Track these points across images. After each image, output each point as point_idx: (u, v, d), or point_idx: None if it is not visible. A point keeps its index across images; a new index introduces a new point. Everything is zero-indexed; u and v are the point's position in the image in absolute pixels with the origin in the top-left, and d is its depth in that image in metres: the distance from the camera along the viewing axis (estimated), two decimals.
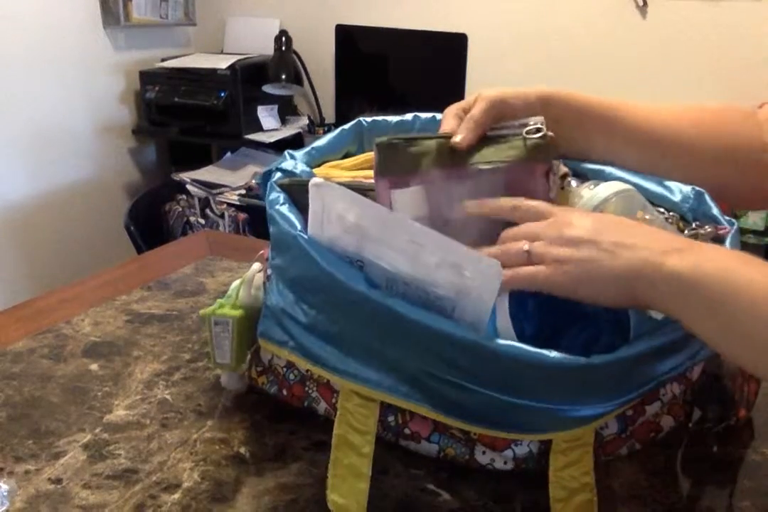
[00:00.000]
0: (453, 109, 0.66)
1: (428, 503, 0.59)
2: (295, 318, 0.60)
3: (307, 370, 0.62)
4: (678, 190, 0.67)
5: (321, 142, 0.73)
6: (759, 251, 1.93)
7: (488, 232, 0.63)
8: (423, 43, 2.36)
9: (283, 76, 2.36)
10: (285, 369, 0.65)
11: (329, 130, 0.76)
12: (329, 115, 2.59)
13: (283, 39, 2.38)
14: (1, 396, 0.72)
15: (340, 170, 0.71)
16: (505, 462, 0.59)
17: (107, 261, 1.87)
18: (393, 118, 0.76)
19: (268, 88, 2.40)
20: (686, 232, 0.63)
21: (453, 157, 0.62)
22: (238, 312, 0.66)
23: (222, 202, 2.22)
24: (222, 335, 0.66)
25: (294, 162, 0.67)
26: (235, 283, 0.69)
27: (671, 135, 0.70)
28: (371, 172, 0.71)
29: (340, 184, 0.55)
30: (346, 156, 0.75)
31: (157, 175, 2.73)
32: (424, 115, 0.75)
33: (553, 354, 0.51)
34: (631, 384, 0.55)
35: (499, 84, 0.67)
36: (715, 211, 0.64)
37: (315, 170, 0.69)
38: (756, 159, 0.70)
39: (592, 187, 0.62)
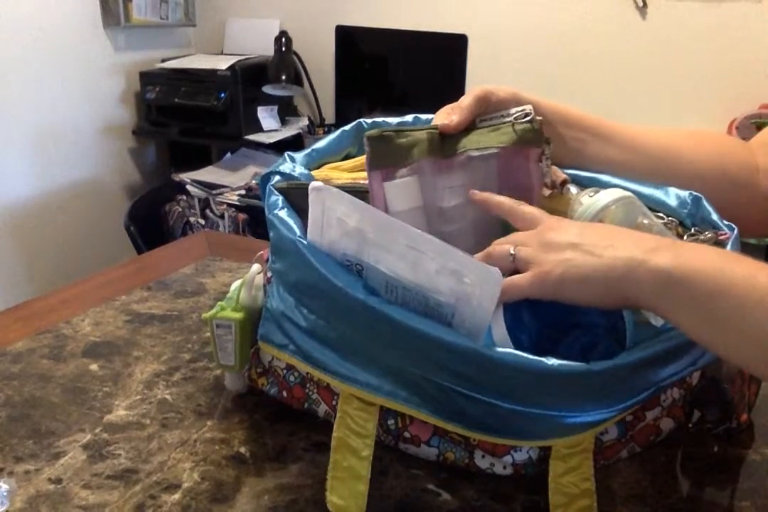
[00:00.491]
0: (444, 109, 0.67)
1: (428, 503, 0.59)
2: (295, 322, 0.60)
3: (307, 373, 0.62)
4: (675, 196, 0.67)
5: (321, 143, 0.73)
6: (759, 251, 1.93)
7: (481, 221, 0.63)
8: (423, 43, 2.37)
9: (283, 77, 2.37)
10: (285, 371, 0.65)
11: (329, 131, 0.77)
12: (329, 115, 2.59)
13: (283, 40, 2.38)
14: (1, 396, 0.72)
15: (340, 172, 0.71)
16: (504, 467, 0.59)
17: (107, 261, 1.88)
18: (393, 120, 0.76)
19: (268, 89, 2.40)
20: (686, 237, 0.63)
21: (443, 147, 0.62)
22: (240, 315, 0.66)
23: (222, 203, 2.22)
24: (225, 337, 0.66)
25: (292, 164, 0.67)
26: (236, 285, 0.70)
27: (665, 145, 0.71)
28: None
29: (339, 186, 0.55)
30: (346, 157, 0.75)
31: (157, 176, 2.73)
32: (424, 116, 0.75)
33: (552, 361, 0.51)
34: (631, 390, 0.55)
35: (499, 84, 0.67)
36: (714, 216, 0.64)
37: (315, 172, 0.69)
38: (748, 178, 0.71)
39: (592, 194, 0.62)
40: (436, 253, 0.51)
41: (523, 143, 0.62)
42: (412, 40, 2.38)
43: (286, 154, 0.68)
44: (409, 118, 0.76)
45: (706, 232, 0.62)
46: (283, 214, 0.60)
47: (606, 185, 0.67)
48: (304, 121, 2.54)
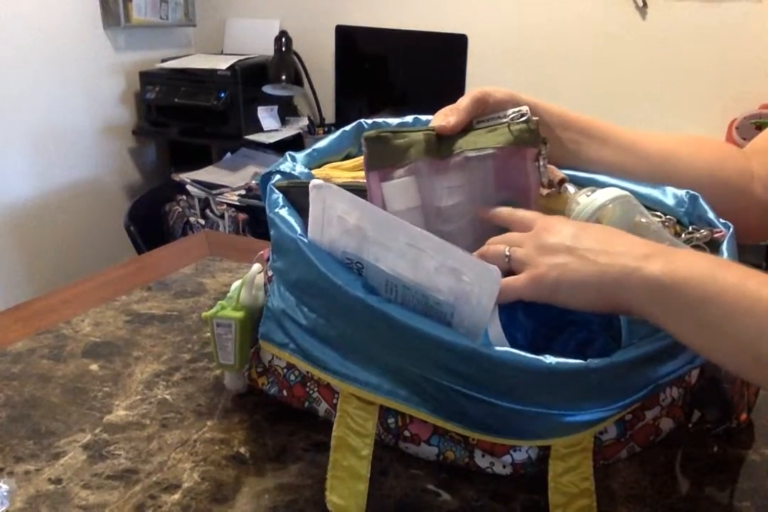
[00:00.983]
0: (442, 110, 0.67)
1: (428, 503, 0.59)
2: (295, 320, 0.60)
3: (308, 371, 0.62)
4: (672, 195, 0.68)
5: (322, 143, 0.73)
6: (759, 251, 1.93)
7: (479, 221, 0.63)
8: (423, 43, 2.37)
9: (283, 77, 2.37)
10: (285, 370, 0.65)
11: (329, 131, 0.77)
12: (329, 115, 2.59)
13: (283, 40, 2.38)
14: (1, 397, 0.72)
15: (340, 171, 0.71)
16: (504, 467, 0.59)
17: (107, 261, 1.88)
18: (393, 120, 0.76)
19: (268, 89, 2.40)
20: (683, 235, 0.63)
21: (440, 148, 0.62)
22: (240, 314, 0.66)
23: (222, 203, 2.22)
24: (225, 337, 0.66)
25: (293, 164, 0.67)
26: (236, 284, 0.70)
27: (661, 150, 0.72)
28: None
29: (339, 184, 0.56)
30: (346, 157, 0.75)
31: (157, 176, 2.73)
32: (424, 117, 0.75)
33: (550, 359, 0.51)
34: (629, 388, 0.55)
35: (499, 84, 0.68)
36: (711, 214, 0.65)
37: (315, 171, 0.69)
38: (743, 185, 0.71)
39: (589, 193, 0.62)
40: (435, 251, 0.51)
41: (519, 143, 0.62)
42: (412, 40, 2.38)
43: (287, 154, 0.69)
44: (409, 118, 0.76)
45: (702, 230, 0.63)
46: (283, 212, 0.60)
47: (603, 185, 0.67)
48: (304, 121, 2.54)
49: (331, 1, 2.51)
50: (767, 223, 0.73)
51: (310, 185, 0.54)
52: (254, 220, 2.18)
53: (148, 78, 2.45)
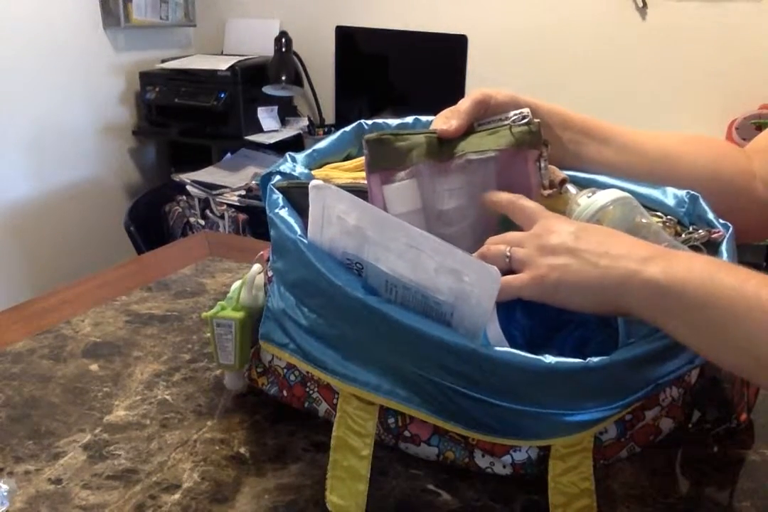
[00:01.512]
0: (443, 113, 0.67)
1: (428, 503, 0.59)
2: (295, 320, 0.60)
3: (308, 372, 0.62)
4: (672, 195, 0.68)
5: (322, 144, 0.73)
6: (759, 251, 1.93)
7: (480, 223, 0.64)
8: (423, 44, 2.37)
9: (283, 77, 2.37)
10: (285, 370, 0.65)
11: (329, 131, 0.77)
12: (329, 116, 2.59)
13: (283, 40, 2.38)
14: (1, 397, 0.72)
15: (340, 171, 0.71)
16: (504, 467, 0.59)
17: (107, 261, 1.87)
18: (394, 121, 0.76)
19: (268, 89, 2.40)
20: (683, 235, 0.63)
21: (442, 150, 0.62)
22: (240, 314, 0.66)
23: (222, 203, 2.22)
24: (225, 337, 0.67)
25: (293, 164, 0.67)
26: (236, 284, 0.70)
27: (662, 149, 0.72)
28: None
29: (339, 185, 0.56)
30: (347, 158, 0.75)
31: (157, 176, 2.73)
32: (424, 118, 0.75)
33: (549, 358, 0.51)
34: (629, 387, 0.55)
35: (500, 85, 0.68)
36: (711, 215, 0.65)
37: (315, 172, 0.69)
38: (744, 184, 0.71)
39: (590, 194, 0.62)
40: (435, 252, 0.51)
41: (521, 145, 0.62)
42: (412, 40, 2.38)
43: (287, 154, 0.69)
44: (409, 119, 0.76)
45: (701, 231, 0.63)
46: (283, 212, 0.60)
47: (603, 185, 0.67)
48: (304, 122, 2.54)
49: (331, 1, 2.51)
50: (767, 222, 0.73)
51: (310, 185, 0.54)
52: (254, 221, 2.18)
53: (148, 78, 2.45)
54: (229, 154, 2.53)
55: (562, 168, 0.68)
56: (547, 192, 0.64)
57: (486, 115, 0.65)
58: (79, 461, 0.63)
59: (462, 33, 2.30)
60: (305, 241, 0.57)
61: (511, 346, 0.52)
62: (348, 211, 0.54)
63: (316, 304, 0.58)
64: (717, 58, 2.05)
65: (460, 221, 0.63)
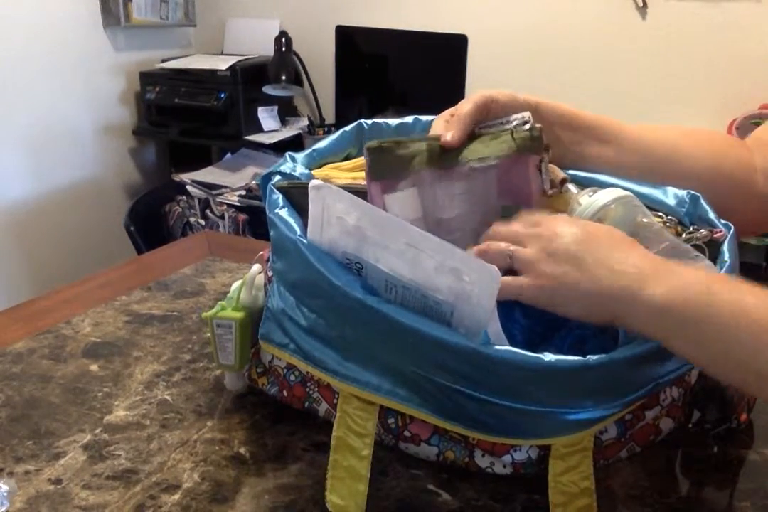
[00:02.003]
0: (443, 115, 0.67)
1: (428, 503, 0.59)
2: (295, 321, 0.60)
3: (308, 372, 0.62)
4: (673, 195, 0.68)
5: (322, 144, 0.73)
6: (759, 252, 1.93)
7: (481, 230, 0.63)
8: (423, 44, 2.37)
9: (283, 77, 2.36)
10: (285, 371, 0.65)
11: (329, 131, 0.77)
12: (329, 116, 2.59)
13: (283, 40, 2.38)
14: (1, 397, 0.72)
15: (340, 171, 0.71)
16: (504, 467, 0.59)
17: (107, 261, 1.88)
18: (393, 121, 0.76)
19: (268, 89, 2.40)
20: (683, 235, 0.63)
21: (443, 157, 0.62)
22: (240, 315, 0.66)
23: (222, 203, 2.22)
24: (225, 337, 0.67)
25: (293, 164, 0.67)
26: (236, 285, 0.70)
27: (663, 144, 0.72)
28: None
29: (339, 186, 0.56)
30: (347, 158, 0.75)
31: (157, 176, 2.73)
32: (424, 118, 0.75)
33: (549, 357, 0.51)
34: (629, 386, 0.55)
35: (500, 85, 0.68)
36: (711, 215, 0.65)
37: (315, 172, 0.69)
38: (745, 177, 0.71)
39: (591, 194, 0.62)
40: (434, 251, 0.51)
41: (522, 151, 0.62)
42: (412, 40, 2.38)
43: (287, 154, 0.69)
44: (409, 119, 0.76)
45: (702, 230, 0.63)
46: (283, 213, 0.60)
47: (605, 185, 0.67)
48: (304, 122, 2.54)
49: (331, 1, 2.51)
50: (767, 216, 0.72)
51: (310, 185, 0.54)
52: (254, 221, 2.18)
53: (148, 78, 2.45)
54: (229, 154, 2.52)
55: (563, 167, 0.68)
56: (548, 191, 0.64)
57: (488, 117, 0.65)
58: (79, 461, 0.63)
59: (462, 33, 2.30)
60: (305, 241, 0.57)
61: (511, 345, 0.52)
62: (348, 211, 0.54)
63: (315, 304, 0.58)
64: (717, 58, 2.05)
65: (461, 228, 0.63)
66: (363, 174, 0.69)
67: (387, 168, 0.60)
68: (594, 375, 0.52)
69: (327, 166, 0.72)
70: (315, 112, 2.59)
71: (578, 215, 0.61)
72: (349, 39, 2.49)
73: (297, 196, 0.61)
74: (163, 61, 2.48)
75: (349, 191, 0.54)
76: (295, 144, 2.39)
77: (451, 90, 2.33)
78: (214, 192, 2.23)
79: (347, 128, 0.75)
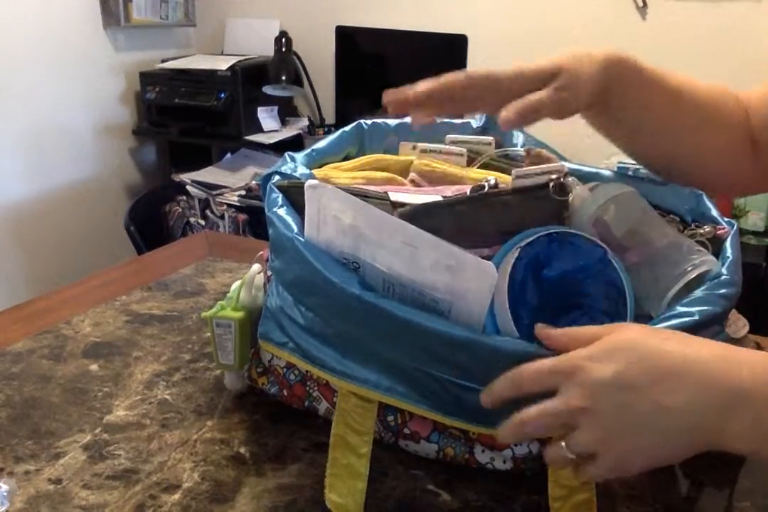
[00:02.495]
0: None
1: (428, 503, 0.59)
2: (294, 319, 0.60)
3: (307, 370, 0.62)
4: (675, 193, 0.68)
5: (321, 143, 0.73)
6: (759, 252, 1.93)
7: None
8: (423, 44, 2.37)
9: (283, 77, 2.37)
10: (285, 370, 0.65)
11: (329, 131, 0.77)
12: (329, 116, 2.59)
13: (283, 40, 2.38)
14: (1, 397, 0.72)
15: (340, 171, 0.71)
16: (504, 462, 0.59)
17: (107, 261, 1.87)
18: (393, 121, 0.76)
19: (268, 89, 2.40)
20: (685, 232, 0.63)
21: (470, 222, 0.60)
22: (239, 314, 0.66)
23: (222, 203, 2.22)
24: (225, 337, 0.67)
25: (294, 164, 0.67)
26: (236, 285, 0.70)
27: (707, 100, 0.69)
28: (371, 174, 0.71)
29: (338, 188, 0.56)
30: (346, 158, 0.75)
31: (157, 176, 2.73)
32: None
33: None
34: None
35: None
36: (714, 212, 0.65)
37: (315, 172, 0.69)
38: (745, 133, 0.69)
39: (593, 188, 0.62)
40: (430, 249, 0.51)
41: (552, 219, 0.60)
42: (412, 40, 2.38)
43: (286, 154, 0.69)
44: (408, 119, 0.76)
45: (705, 227, 0.63)
46: (281, 211, 0.60)
47: (607, 179, 0.67)
48: (304, 122, 2.54)
49: (331, 1, 2.51)
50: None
51: (306, 185, 0.55)
52: (254, 221, 2.18)
53: (148, 78, 2.45)
54: (229, 154, 2.52)
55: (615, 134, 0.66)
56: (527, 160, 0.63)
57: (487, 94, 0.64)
58: (79, 461, 0.63)
59: (462, 33, 2.30)
60: (301, 239, 0.57)
61: (517, 326, 0.52)
62: (343, 210, 0.54)
63: (313, 303, 0.58)
64: (717, 58, 2.04)
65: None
66: (363, 173, 0.69)
67: None
68: None
69: (326, 166, 0.72)
70: (315, 112, 2.59)
71: (581, 209, 0.61)
72: (349, 39, 2.49)
73: (296, 196, 0.61)
74: (163, 61, 2.48)
75: (345, 192, 0.54)
76: (295, 144, 2.39)
77: None
78: (214, 192, 2.23)
79: (347, 128, 0.75)
